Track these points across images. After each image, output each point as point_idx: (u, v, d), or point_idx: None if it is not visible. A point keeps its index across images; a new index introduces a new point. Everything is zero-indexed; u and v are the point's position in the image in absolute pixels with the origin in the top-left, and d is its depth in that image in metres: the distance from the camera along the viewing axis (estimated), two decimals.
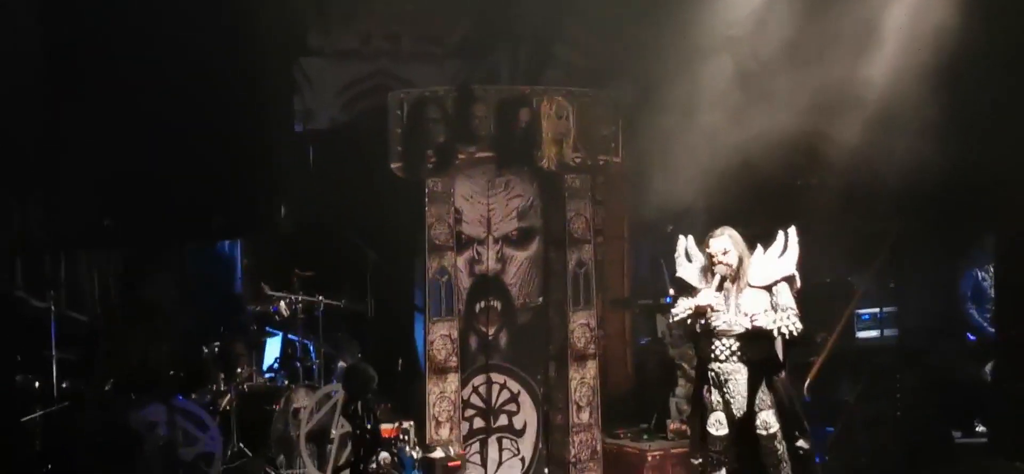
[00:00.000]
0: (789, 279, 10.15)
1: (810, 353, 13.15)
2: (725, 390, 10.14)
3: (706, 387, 10.20)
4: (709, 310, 10.00)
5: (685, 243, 10.45)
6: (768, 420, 10.14)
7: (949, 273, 14.93)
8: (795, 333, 10.06)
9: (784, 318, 10.04)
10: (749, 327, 10.03)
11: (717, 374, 10.14)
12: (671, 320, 10.24)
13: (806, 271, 13.84)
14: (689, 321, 10.10)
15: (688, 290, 10.26)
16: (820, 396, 12.98)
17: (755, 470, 10.25)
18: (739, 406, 10.15)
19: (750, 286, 10.17)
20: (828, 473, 12.57)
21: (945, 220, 14.20)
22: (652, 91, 12.50)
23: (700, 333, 10.14)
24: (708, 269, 10.23)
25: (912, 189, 13.42)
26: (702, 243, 10.39)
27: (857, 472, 12.65)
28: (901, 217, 13.70)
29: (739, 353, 10.10)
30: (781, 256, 10.24)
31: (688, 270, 10.38)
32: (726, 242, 10.21)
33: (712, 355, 10.15)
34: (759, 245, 10.32)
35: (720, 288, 10.09)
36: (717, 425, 10.20)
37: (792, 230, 10.28)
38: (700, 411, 10.34)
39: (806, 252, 13.74)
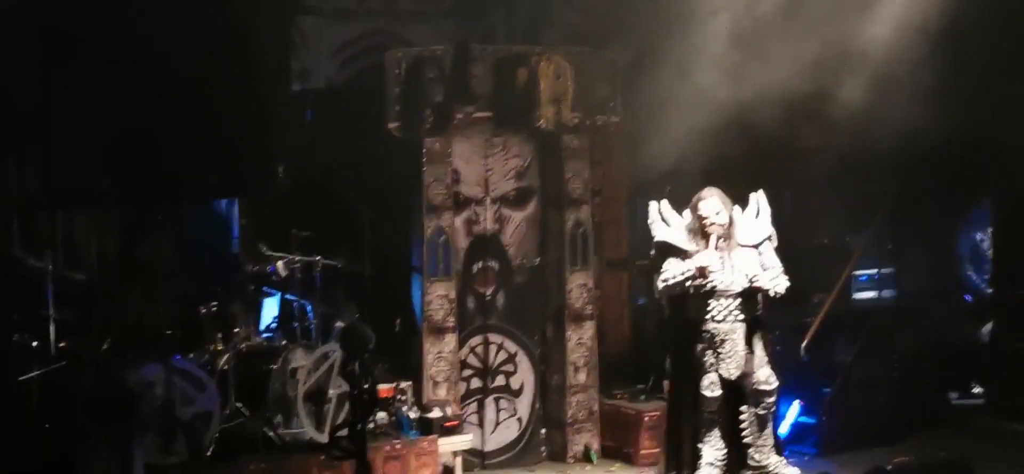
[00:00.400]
0: (770, 238, 10.20)
1: (807, 314, 13.16)
2: (720, 351, 10.15)
3: (701, 348, 10.21)
4: (708, 270, 10.01)
5: (658, 207, 10.45)
6: (770, 375, 10.20)
7: (947, 235, 14.96)
8: (782, 292, 10.09)
9: (776, 277, 10.10)
10: (747, 285, 10.06)
11: (713, 335, 10.15)
12: (663, 283, 10.18)
13: (804, 232, 13.95)
14: (687, 283, 10.08)
15: (675, 252, 10.24)
16: (817, 357, 13.00)
17: (736, 426, 10.30)
18: (737, 365, 10.17)
19: (739, 245, 10.21)
20: (825, 434, 12.62)
21: (943, 182, 14.23)
22: (650, 51, 12.45)
23: (693, 294, 10.14)
24: (697, 231, 10.22)
25: (910, 151, 13.43)
26: (687, 205, 10.39)
27: (854, 433, 12.68)
28: (899, 179, 13.71)
29: (737, 312, 10.13)
30: (757, 217, 10.29)
31: (670, 232, 10.36)
32: (717, 203, 10.23)
33: (709, 316, 10.16)
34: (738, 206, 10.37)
35: (716, 248, 10.11)
36: (712, 387, 10.21)
37: (760, 193, 10.42)
38: (690, 375, 10.34)
39: (804, 213, 13.84)
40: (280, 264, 11.62)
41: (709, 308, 10.16)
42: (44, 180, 10.23)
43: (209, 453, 10.57)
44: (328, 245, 11.98)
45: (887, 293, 13.94)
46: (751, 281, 10.10)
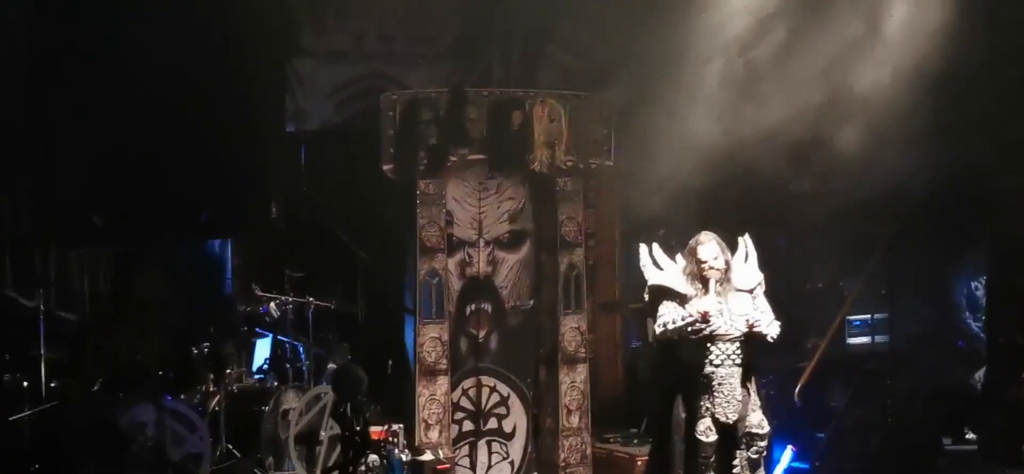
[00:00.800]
0: (760, 283, 10.25)
1: (801, 358, 13.14)
2: (717, 395, 10.12)
3: (698, 392, 10.18)
4: (709, 315, 9.98)
5: (648, 250, 10.37)
6: (762, 420, 10.16)
7: (941, 280, 14.91)
8: (776, 337, 10.13)
9: (771, 322, 10.10)
10: (746, 330, 10.05)
11: (710, 379, 10.12)
12: (662, 327, 10.12)
13: (798, 276, 13.93)
14: (687, 328, 10.03)
15: (671, 296, 10.20)
16: (811, 402, 12.96)
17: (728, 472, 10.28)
18: (734, 410, 10.12)
19: (736, 289, 10.21)
20: None
21: (938, 226, 14.20)
22: (644, 94, 12.48)
23: (691, 339, 10.09)
24: (695, 275, 10.19)
25: (905, 195, 13.43)
26: (681, 249, 10.36)
27: None
28: (894, 223, 13.70)
29: (735, 356, 10.11)
30: (746, 261, 10.29)
31: (664, 276, 10.32)
32: (714, 247, 10.20)
33: (707, 360, 10.13)
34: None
35: (716, 293, 10.11)
36: (707, 432, 10.16)
37: (747, 237, 10.37)
38: (683, 422, 10.30)
39: (798, 257, 13.82)
40: (273, 305, 11.62)
41: (708, 353, 10.13)
42: (36, 218, 10.21)
43: None
44: (321, 286, 11.98)
45: (881, 338, 13.88)
46: (751, 326, 10.07)
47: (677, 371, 10.28)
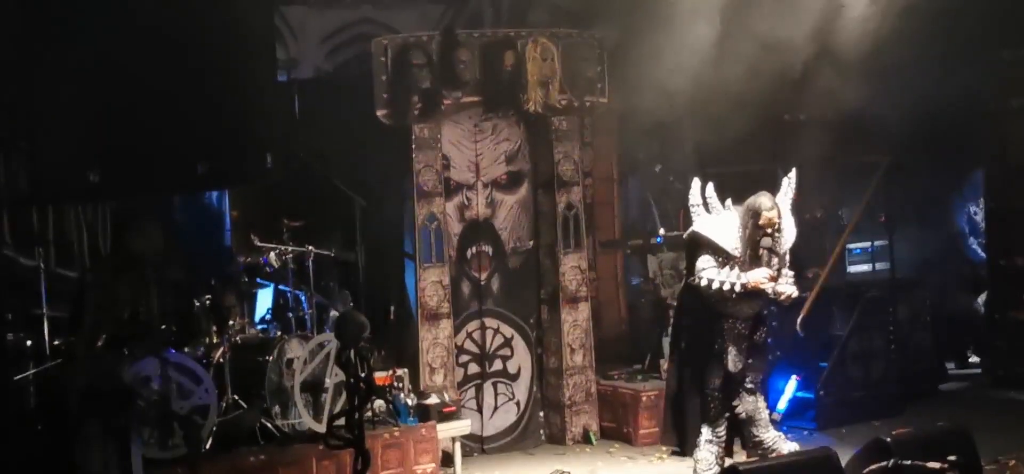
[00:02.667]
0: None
1: (803, 288, 13.12)
2: (740, 342, 10.22)
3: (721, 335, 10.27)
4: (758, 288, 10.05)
5: (701, 189, 10.28)
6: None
7: (940, 205, 14.94)
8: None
9: (793, 283, 10.39)
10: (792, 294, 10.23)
11: (739, 332, 10.20)
12: (708, 283, 10.03)
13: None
14: (733, 293, 10.02)
15: (714, 250, 10.15)
16: (813, 332, 12.97)
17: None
18: (747, 355, 10.38)
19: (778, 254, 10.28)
20: (823, 408, 12.60)
21: (936, 152, 14.20)
22: (636, 29, 12.44)
23: (736, 297, 10.08)
24: (750, 237, 10.11)
25: (902, 121, 13.41)
26: (746, 208, 10.28)
27: (852, 406, 12.66)
28: (891, 150, 13.68)
29: (762, 311, 10.23)
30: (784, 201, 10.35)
31: (712, 226, 10.23)
32: (777, 214, 10.14)
33: (741, 314, 10.19)
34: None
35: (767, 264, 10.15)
36: (734, 362, 10.28)
37: (793, 173, 10.41)
38: (695, 356, 10.36)
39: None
40: (272, 255, 11.57)
41: (742, 308, 10.19)
42: (32, 176, 10.14)
43: (207, 446, 10.50)
44: (320, 234, 11.94)
45: (881, 265, 13.90)
46: (778, 295, 10.22)
47: (698, 314, 10.31)
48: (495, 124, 12.49)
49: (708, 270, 10.05)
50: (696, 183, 10.35)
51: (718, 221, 10.23)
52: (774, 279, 10.08)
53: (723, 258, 10.10)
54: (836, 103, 13.65)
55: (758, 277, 10.00)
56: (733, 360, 10.26)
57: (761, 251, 10.12)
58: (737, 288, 9.92)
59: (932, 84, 12.88)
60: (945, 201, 14.99)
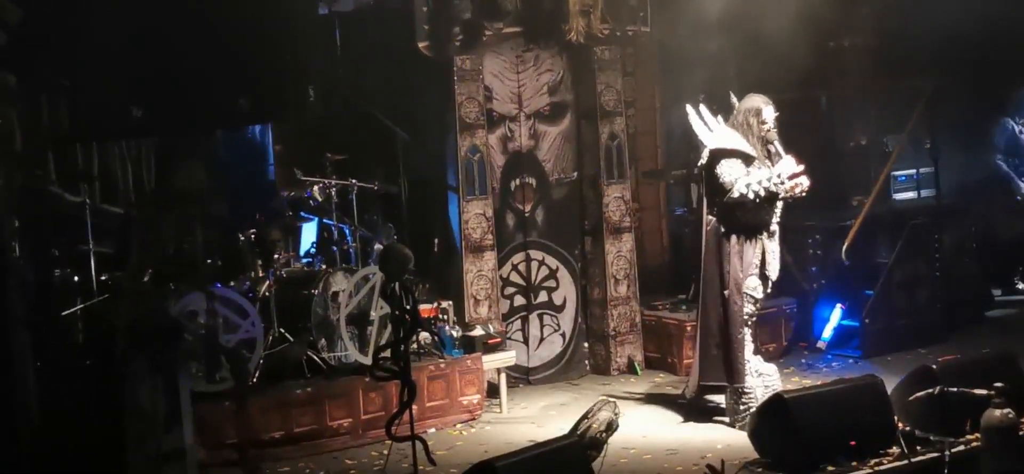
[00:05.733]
0: None
1: (847, 216, 13.10)
2: (767, 254, 10.23)
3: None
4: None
5: (697, 112, 10.43)
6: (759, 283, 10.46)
7: (985, 131, 14.81)
8: None
9: None
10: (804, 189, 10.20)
11: (763, 240, 10.22)
12: (747, 189, 10.04)
13: (841, 134, 13.87)
14: (775, 188, 10.06)
15: (736, 156, 10.18)
16: (858, 260, 12.94)
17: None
18: (778, 266, 10.41)
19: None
20: (868, 336, 12.58)
21: (980, 77, 14.08)
22: None
23: (761, 202, 10.09)
24: (759, 137, 10.20)
25: (946, 46, 13.30)
26: (744, 112, 10.34)
27: (897, 334, 12.62)
28: (935, 75, 13.57)
29: (780, 217, 10.24)
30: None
31: (725, 138, 10.29)
32: (772, 110, 10.27)
33: (772, 220, 10.22)
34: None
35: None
36: (757, 289, 10.31)
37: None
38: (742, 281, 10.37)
39: (840, 115, 13.75)
40: (316, 188, 11.60)
41: (773, 212, 10.20)
42: (75, 114, 10.18)
43: (254, 379, 10.58)
44: (363, 168, 11.95)
45: (926, 192, 13.84)
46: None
47: (737, 232, 10.30)
48: (537, 55, 12.44)
49: (740, 179, 10.05)
50: (690, 109, 10.47)
51: (726, 133, 10.30)
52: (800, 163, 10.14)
53: (745, 162, 10.11)
54: (880, 28, 13.57)
55: (790, 166, 10.03)
56: (771, 267, 10.32)
57: (769, 146, 10.22)
58: (781, 179, 9.96)
59: (977, 8, 12.75)
60: (990, 126, 14.86)
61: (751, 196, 10.01)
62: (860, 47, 13.84)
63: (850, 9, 13.10)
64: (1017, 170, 14.63)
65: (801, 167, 10.13)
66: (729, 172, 10.14)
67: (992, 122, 14.72)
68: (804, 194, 10.21)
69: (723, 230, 10.34)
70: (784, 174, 10.04)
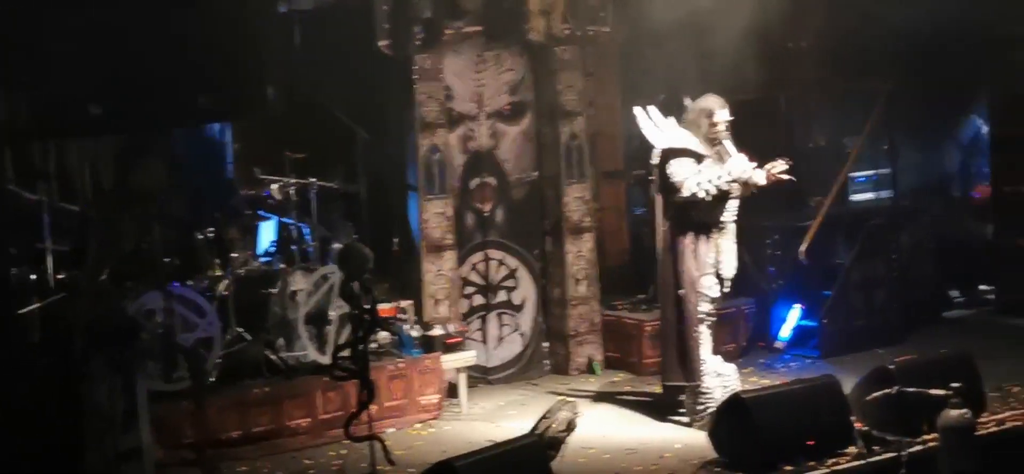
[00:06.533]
0: None
1: (806, 217, 13.15)
2: (721, 253, 10.28)
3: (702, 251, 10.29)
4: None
5: (646, 114, 10.51)
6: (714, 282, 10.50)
7: (944, 132, 14.91)
8: None
9: None
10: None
11: (717, 238, 10.27)
12: (698, 187, 10.09)
13: (799, 134, 13.92)
14: (727, 187, 10.10)
15: (688, 155, 10.24)
16: (816, 260, 12.99)
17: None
18: (733, 265, 10.43)
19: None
20: (826, 337, 12.63)
21: (938, 78, 14.16)
22: None
23: (712, 200, 10.13)
24: (709, 136, 10.26)
25: (904, 48, 13.38)
26: (696, 112, 10.40)
27: (855, 334, 12.68)
28: (893, 77, 13.64)
29: (735, 214, 10.28)
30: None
31: (675, 137, 10.35)
32: (727, 111, 10.30)
33: (721, 219, 10.24)
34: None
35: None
36: (713, 287, 10.35)
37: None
38: (696, 280, 10.38)
39: (799, 115, 13.81)
40: (275, 187, 11.56)
41: (725, 210, 10.25)
42: (33, 110, 10.12)
43: (212, 378, 10.54)
44: (323, 167, 11.92)
45: (885, 193, 13.91)
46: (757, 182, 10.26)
47: (688, 230, 10.34)
48: (498, 54, 12.44)
49: (690, 178, 10.10)
50: (638, 111, 10.55)
51: (676, 132, 10.38)
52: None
53: (696, 160, 10.18)
54: (838, 30, 13.63)
55: (742, 164, 10.09)
56: (725, 266, 10.39)
57: (719, 148, 10.26)
58: (732, 177, 10.03)
59: (936, 10, 12.82)
60: (948, 128, 14.95)
61: (701, 194, 10.08)
62: (819, 48, 13.90)
63: (809, 10, 13.13)
64: (971, 169, 14.74)
65: (753, 168, 10.17)
66: (679, 171, 10.21)
67: (953, 131, 14.83)
68: (755, 190, 10.27)
69: (677, 229, 10.39)
70: (735, 172, 10.09)
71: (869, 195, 13.94)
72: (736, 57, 12.10)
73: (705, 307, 10.41)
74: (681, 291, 10.38)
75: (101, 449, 9.11)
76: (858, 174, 13.85)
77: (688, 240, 10.35)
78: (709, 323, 10.50)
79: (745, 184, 10.19)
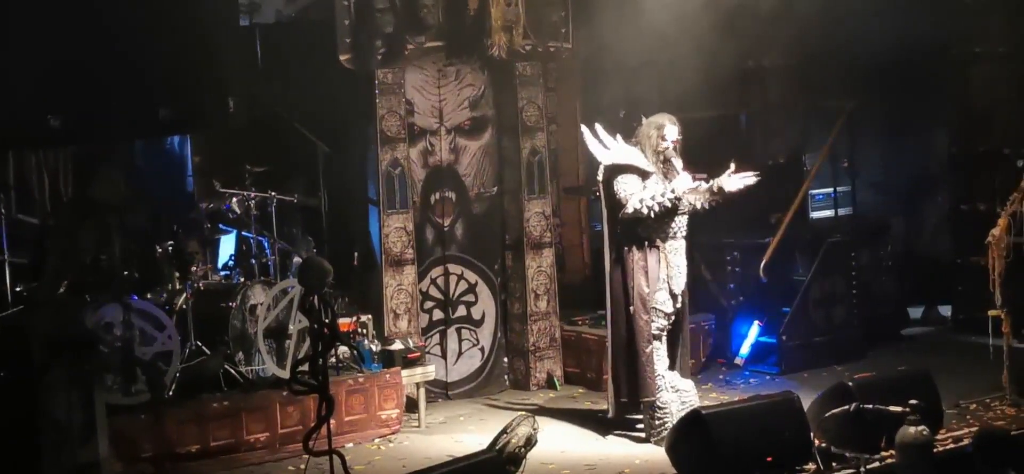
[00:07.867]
0: None
1: (765, 234, 13.19)
2: (671, 268, 10.30)
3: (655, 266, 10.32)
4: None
5: (591, 132, 10.52)
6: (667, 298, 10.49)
7: (903, 150, 15.00)
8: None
9: None
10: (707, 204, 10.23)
11: (666, 254, 10.29)
12: (640, 204, 10.12)
13: (759, 152, 13.98)
14: (669, 203, 10.11)
15: (635, 172, 10.27)
16: (776, 277, 13.04)
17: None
18: (683, 280, 10.47)
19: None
20: (785, 353, 12.67)
21: (897, 98, 14.26)
22: None
23: (660, 215, 10.15)
24: (658, 153, 10.29)
25: (865, 68, 13.46)
26: (645, 129, 10.42)
27: (814, 351, 12.73)
28: (853, 96, 13.73)
29: (684, 230, 10.35)
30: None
31: (622, 154, 10.38)
32: (677, 128, 10.33)
33: (669, 235, 10.26)
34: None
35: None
36: (666, 303, 10.37)
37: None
38: (648, 296, 10.40)
39: (759, 133, 13.87)
40: (235, 200, 11.52)
41: (672, 226, 10.26)
42: None
43: (171, 392, 10.49)
44: (283, 180, 11.90)
45: (844, 210, 14.00)
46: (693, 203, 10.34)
47: (636, 246, 10.37)
48: (459, 69, 12.44)
49: (634, 196, 10.14)
50: (585, 130, 10.60)
51: (622, 149, 10.42)
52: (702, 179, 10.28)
53: (642, 177, 10.21)
54: (799, 48, 13.71)
55: (686, 182, 10.11)
56: (675, 282, 10.40)
57: (668, 164, 10.29)
58: (677, 195, 10.07)
59: (895, 30, 12.90)
60: (907, 146, 15.04)
61: (645, 211, 10.10)
62: (780, 67, 13.98)
63: (770, 28, 13.20)
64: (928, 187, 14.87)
65: (694, 183, 10.20)
66: (624, 187, 10.24)
67: (912, 149, 14.94)
68: (720, 200, 10.32)
69: (625, 246, 10.42)
70: (679, 190, 10.10)
71: (828, 212, 14.03)
72: (697, 75, 12.16)
73: (660, 322, 10.42)
74: (631, 308, 10.39)
75: (58, 462, 9.06)
76: (817, 192, 13.94)
77: (636, 256, 10.37)
78: (663, 338, 10.50)
79: (716, 192, 10.19)
